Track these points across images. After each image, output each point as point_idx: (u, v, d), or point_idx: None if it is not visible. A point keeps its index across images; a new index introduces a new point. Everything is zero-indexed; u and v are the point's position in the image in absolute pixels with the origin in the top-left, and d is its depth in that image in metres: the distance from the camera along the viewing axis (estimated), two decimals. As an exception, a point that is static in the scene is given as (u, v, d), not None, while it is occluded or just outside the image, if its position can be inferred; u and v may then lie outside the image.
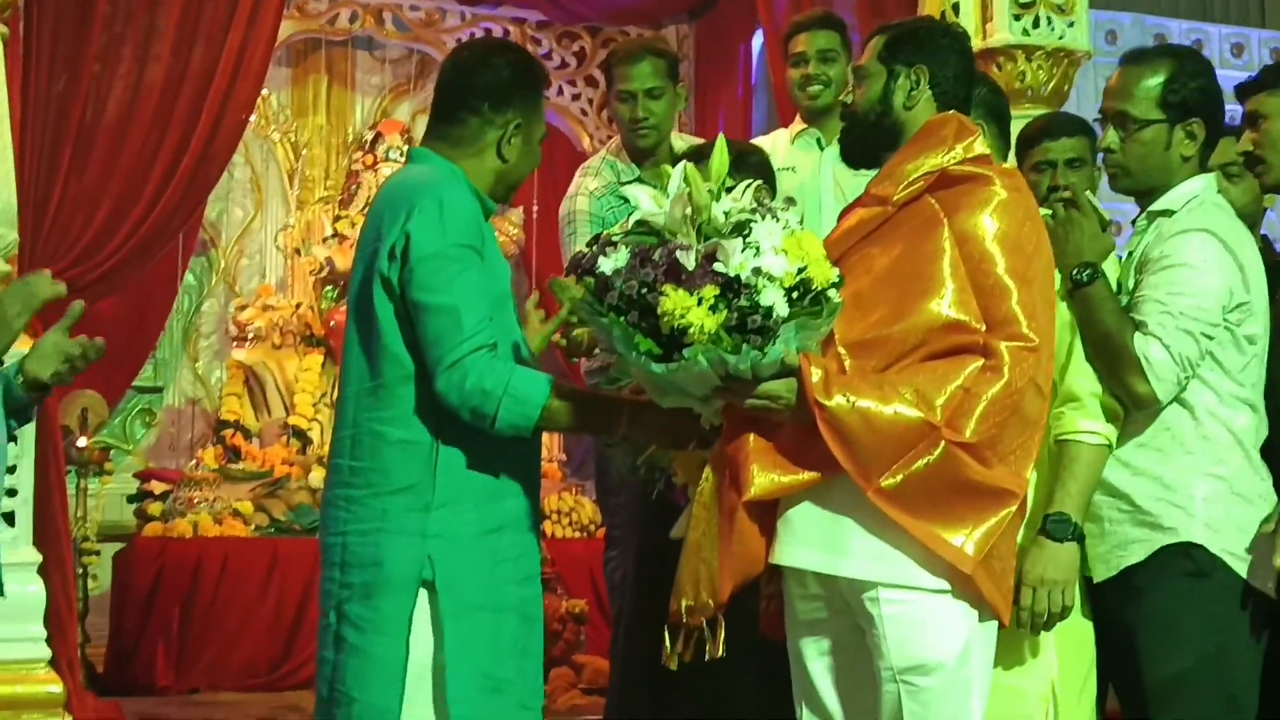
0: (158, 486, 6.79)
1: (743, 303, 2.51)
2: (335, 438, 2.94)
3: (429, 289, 2.78)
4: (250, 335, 7.45)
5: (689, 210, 2.58)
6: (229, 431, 7.10)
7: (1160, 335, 2.98)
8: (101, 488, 6.71)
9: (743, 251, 2.53)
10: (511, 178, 3.03)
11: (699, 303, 2.50)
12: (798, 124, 4.66)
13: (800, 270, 2.55)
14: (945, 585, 2.67)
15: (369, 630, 2.79)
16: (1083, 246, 3.07)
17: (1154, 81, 3.13)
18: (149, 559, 6.34)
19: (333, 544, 2.86)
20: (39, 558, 4.69)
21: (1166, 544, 3.01)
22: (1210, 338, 3.01)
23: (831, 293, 2.62)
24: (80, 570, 5.95)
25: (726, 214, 2.58)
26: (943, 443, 2.61)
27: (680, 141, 4.66)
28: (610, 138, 4.88)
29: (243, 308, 7.58)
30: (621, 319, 2.56)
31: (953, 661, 2.68)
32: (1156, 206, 3.16)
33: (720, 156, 2.67)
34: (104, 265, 5.21)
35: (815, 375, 2.60)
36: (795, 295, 2.55)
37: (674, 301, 2.50)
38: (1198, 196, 3.14)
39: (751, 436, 2.69)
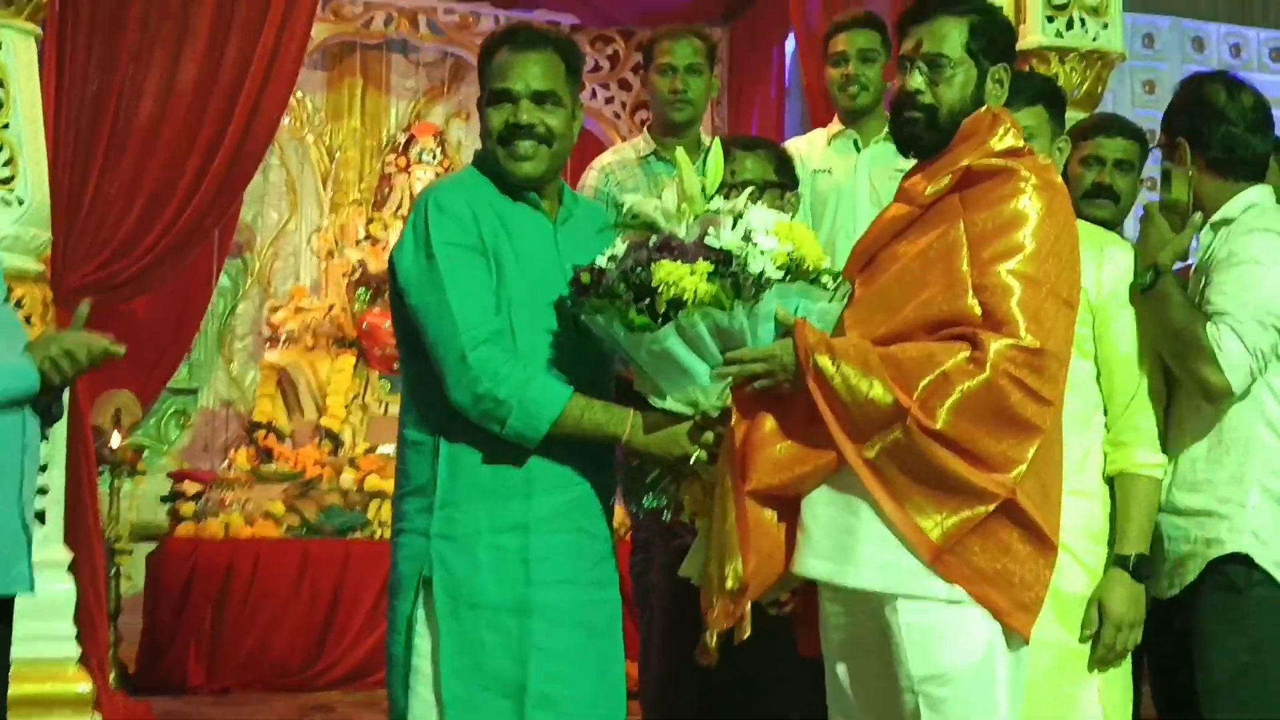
0: (191, 487, 6.82)
1: (734, 270, 2.57)
2: None
3: (417, 289, 2.79)
4: (283, 337, 7.49)
5: (679, 204, 2.67)
6: (261, 433, 7.13)
7: (1234, 326, 2.98)
8: (135, 488, 6.72)
9: (733, 229, 2.60)
10: (499, 165, 2.87)
11: (692, 273, 2.55)
12: (835, 125, 4.64)
13: (790, 252, 2.61)
14: (960, 595, 2.62)
15: (390, 629, 2.87)
16: (1148, 251, 3.07)
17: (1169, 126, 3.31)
18: (181, 559, 6.36)
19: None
20: (69, 556, 4.70)
21: (1213, 558, 3.02)
22: None
23: (825, 279, 2.67)
24: (113, 570, 5.96)
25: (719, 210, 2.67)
26: (909, 422, 2.56)
27: (708, 140, 4.67)
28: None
29: (276, 309, 7.61)
30: (615, 301, 2.59)
31: (971, 671, 2.63)
32: (1217, 217, 3.19)
33: (716, 162, 2.73)
34: (138, 264, 5.19)
35: (811, 336, 2.61)
36: (786, 275, 2.61)
37: (667, 270, 2.56)
38: (1257, 205, 3.19)
39: (766, 420, 2.66)
